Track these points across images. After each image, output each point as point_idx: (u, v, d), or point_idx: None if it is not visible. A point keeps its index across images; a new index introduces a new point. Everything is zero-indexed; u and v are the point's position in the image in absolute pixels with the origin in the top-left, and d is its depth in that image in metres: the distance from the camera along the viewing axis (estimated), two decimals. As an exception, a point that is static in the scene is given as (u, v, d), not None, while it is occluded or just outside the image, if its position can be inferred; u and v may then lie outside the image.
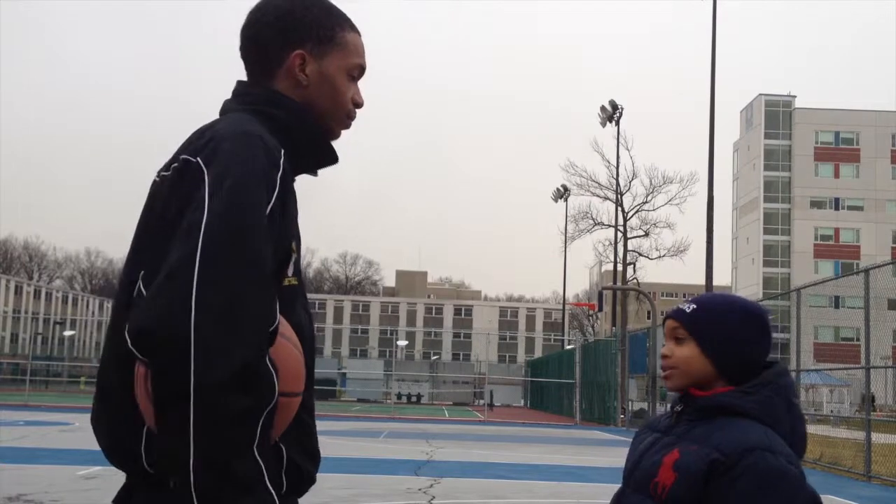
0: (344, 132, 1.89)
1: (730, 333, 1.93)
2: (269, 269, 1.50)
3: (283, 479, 1.63)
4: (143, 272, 1.56)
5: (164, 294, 1.42)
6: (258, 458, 1.42)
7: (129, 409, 1.54)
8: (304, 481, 1.71)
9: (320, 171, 1.88)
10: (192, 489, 1.39)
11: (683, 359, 1.96)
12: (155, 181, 1.68)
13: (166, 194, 1.58)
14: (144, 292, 1.52)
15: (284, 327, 1.59)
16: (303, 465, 1.70)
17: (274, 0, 1.82)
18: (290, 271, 1.65)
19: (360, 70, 1.86)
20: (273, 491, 1.46)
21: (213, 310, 1.40)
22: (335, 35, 1.82)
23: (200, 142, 1.60)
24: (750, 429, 1.83)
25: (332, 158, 1.84)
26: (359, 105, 1.86)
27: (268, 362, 1.45)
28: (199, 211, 1.47)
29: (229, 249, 1.45)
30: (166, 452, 1.42)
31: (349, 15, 1.87)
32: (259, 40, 1.80)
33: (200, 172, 1.53)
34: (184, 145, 1.64)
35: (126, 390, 1.54)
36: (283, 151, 1.63)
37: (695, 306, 1.99)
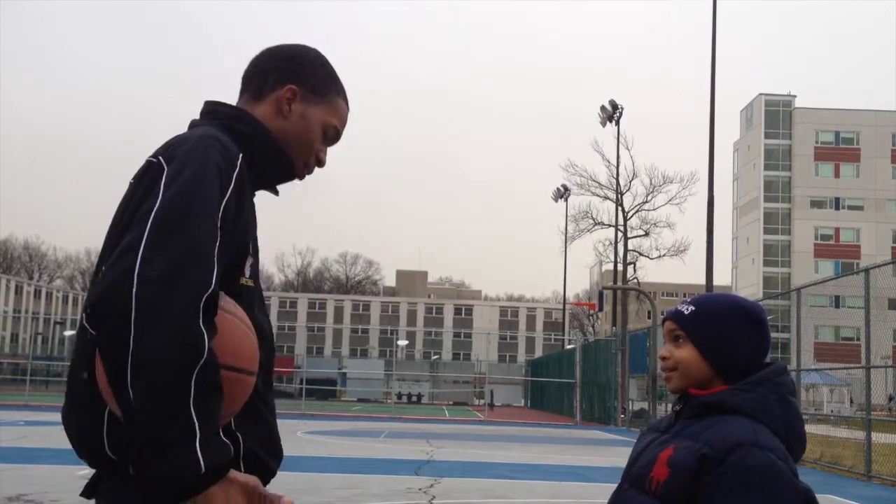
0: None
1: (727, 334, 1.94)
2: (211, 249, 1.61)
3: (241, 464, 1.73)
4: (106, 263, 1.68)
5: (113, 270, 1.56)
6: (193, 414, 1.52)
7: (93, 399, 1.64)
8: (264, 473, 1.80)
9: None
10: (134, 438, 1.49)
11: (682, 360, 1.97)
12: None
13: (132, 192, 1.72)
14: None
15: (232, 306, 1.69)
16: (262, 456, 1.80)
17: (293, 46, 2.02)
18: (248, 273, 1.78)
19: (336, 134, 2.01)
20: (211, 442, 1.54)
21: (152, 280, 1.53)
22: (328, 94, 1.99)
23: (164, 146, 1.75)
24: (738, 424, 1.84)
25: (290, 174, 1.97)
26: (320, 163, 2.01)
27: (201, 325, 1.55)
28: (154, 200, 1.62)
29: (173, 230, 1.58)
30: (122, 416, 1.53)
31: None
32: (264, 67, 1.98)
33: (160, 169, 1.68)
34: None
35: (91, 382, 1.63)
36: (241, 156, 1.77)
37: (693, 307, 2.00)
